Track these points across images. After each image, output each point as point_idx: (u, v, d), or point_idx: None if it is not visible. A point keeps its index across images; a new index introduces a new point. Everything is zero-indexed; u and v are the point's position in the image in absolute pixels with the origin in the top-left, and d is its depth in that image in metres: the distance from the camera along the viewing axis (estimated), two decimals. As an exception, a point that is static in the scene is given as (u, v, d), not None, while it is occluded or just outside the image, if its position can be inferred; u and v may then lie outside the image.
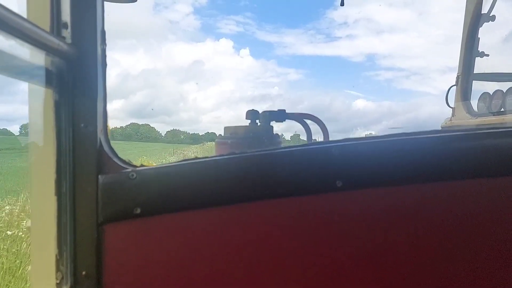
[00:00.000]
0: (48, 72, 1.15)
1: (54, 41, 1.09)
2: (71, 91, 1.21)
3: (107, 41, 1.29)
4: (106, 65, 1.29)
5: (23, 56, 1.03)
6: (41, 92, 1.18)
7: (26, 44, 1.00)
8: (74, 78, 1.22)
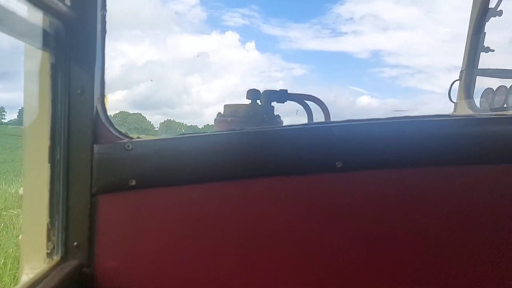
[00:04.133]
0: (45, 33, 1.11)
1: (53, 0, 1.05)
2: (68, 55, 1.18)
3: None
4: (106, 32, 1.25)
5: (20, 13, 0.99)
6: (38, 54, 1.14)
7: (25, 1, 0.96)
8: (72, 42, 1.18)
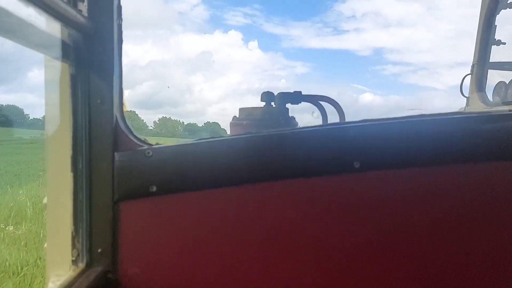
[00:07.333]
0: (64, 45, 1.13)
1: (71, 12, 1.07)
2: (87, 65, 1.20)
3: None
4: (122, 41, 1.27)
5: (40, 26, 1.00)
6: (57, 65, 1.16)
7: (44, 14, 0.98)
8: (90, 53, 1.20)
